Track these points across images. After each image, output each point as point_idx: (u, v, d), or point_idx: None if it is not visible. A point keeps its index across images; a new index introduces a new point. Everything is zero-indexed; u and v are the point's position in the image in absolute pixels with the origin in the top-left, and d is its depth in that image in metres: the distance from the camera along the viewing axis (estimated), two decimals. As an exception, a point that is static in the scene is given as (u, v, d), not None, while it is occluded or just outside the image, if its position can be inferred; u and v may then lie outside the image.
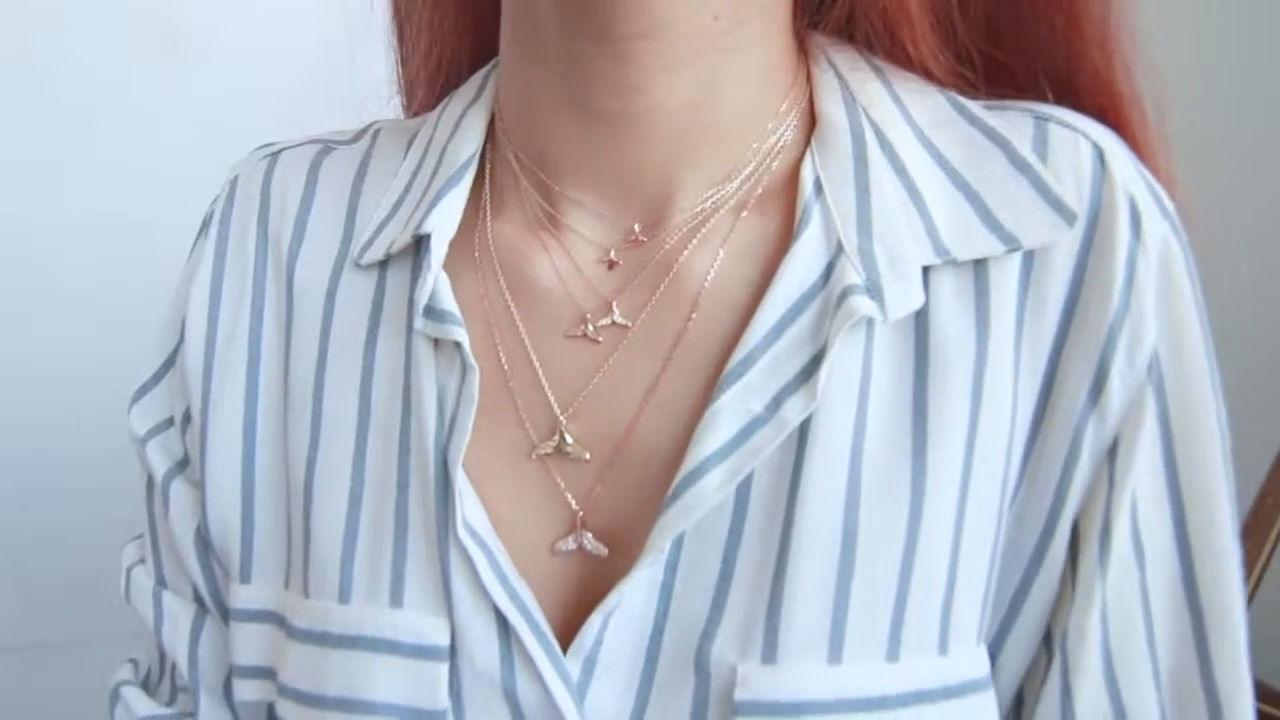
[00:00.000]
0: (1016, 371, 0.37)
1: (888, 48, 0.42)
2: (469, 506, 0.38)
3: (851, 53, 0.42)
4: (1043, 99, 0.42)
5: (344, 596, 0.39)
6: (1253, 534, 1.13)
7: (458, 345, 0.39)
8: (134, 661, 0.50)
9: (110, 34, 1.05)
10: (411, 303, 0.41)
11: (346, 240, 0.44)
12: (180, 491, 0.45)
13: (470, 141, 0.43)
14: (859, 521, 0.36)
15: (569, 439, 0.39)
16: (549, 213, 0.41)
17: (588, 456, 0.39)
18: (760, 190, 0.40)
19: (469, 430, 0.38)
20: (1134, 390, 0.37)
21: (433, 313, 0.40)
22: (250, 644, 0.42)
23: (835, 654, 0.35)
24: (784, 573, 0.35)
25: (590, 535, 0.38)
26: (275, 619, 0.42)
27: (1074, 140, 0.38)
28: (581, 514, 0.39)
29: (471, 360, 0.39)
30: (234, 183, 0.47)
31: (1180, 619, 0.38)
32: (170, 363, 0.47)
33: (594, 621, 0.37)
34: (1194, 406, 0.38)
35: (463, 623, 0.38)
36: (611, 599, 0.36)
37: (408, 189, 0.44)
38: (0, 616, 1.14)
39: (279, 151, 0.48)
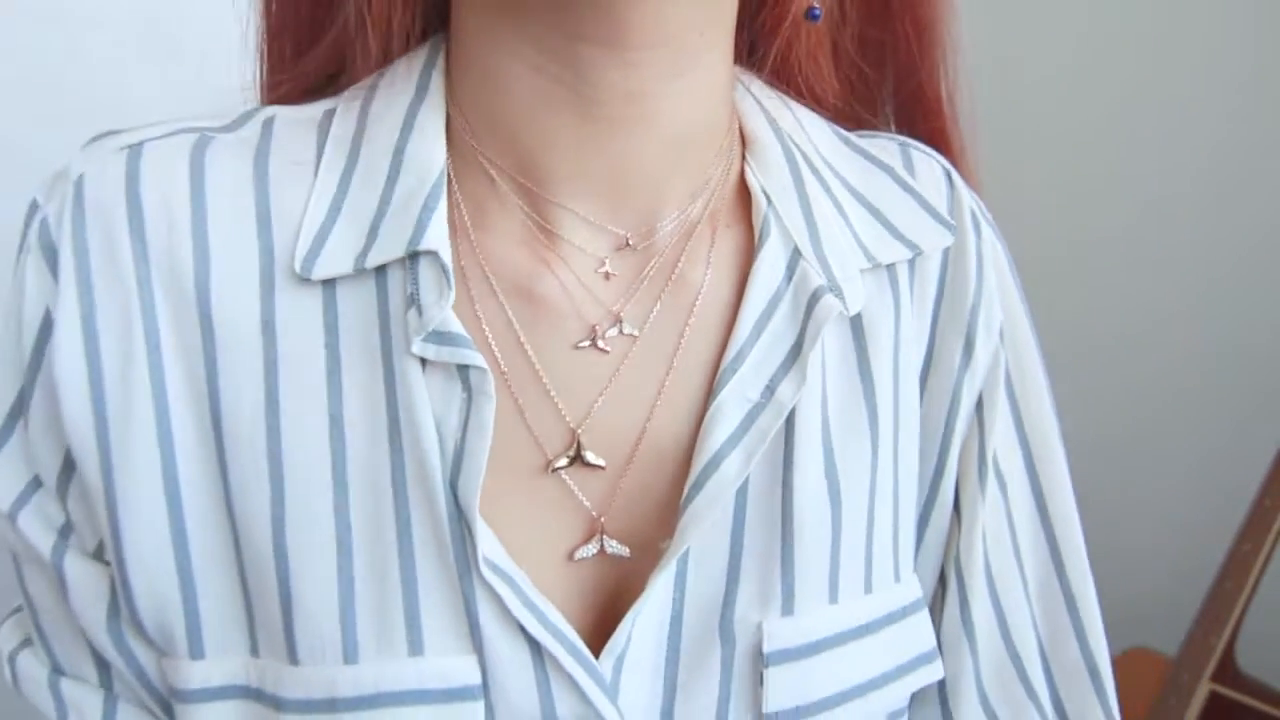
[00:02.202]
0: (917, 343, 0.45)
1: (806, 81, 0.47)
2: (485, 540, 0.37)
3: (762, 83, 0.46)
4: (884, 122, 0.50)
5: (350, 656, 0.37)
6: (1253, 534, 1.13)
7: (463, 370, 0.37)
8: None
9: (109, 34, 1.05)
10: (387, 325, 0.38)
11: (266, 252, 0.38)
12: (77, 569, 0.39)
13: (436, 148, 0.40)
14: (839, 481, 0.41)
15: (587, 451, 0.39)
16: (539, 223, 0.40)
17: (604, 464, 0.39)
18: (724, 200, 0.43)
19: (483, 462, 0.37)
20: (992, 354, 0.46)
21: (440, 336, 0.37)
22: None
23: (834, 595, 0.41)
24: (791, 535, 0.40)
25: (612, 540, 0.40)
26: (249, 693, 0.38)
27: (930, 163, 0.47)
28: (603, 520, 0.40)
29: (488, 388, 0.37)
30: (79, 184, 0.39)
31: (1037, 536, 0.47)
32: (18, 412, 0.39)
33: (627, 621, 0.38)
34: (1028, 367, 0.47)
35: (495, 657, 0.37)
36: (646, 595, 0.38)
37: (344, 190, 0.39)
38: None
39: (139, 144, 0.39)
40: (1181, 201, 1.39)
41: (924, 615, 0.45)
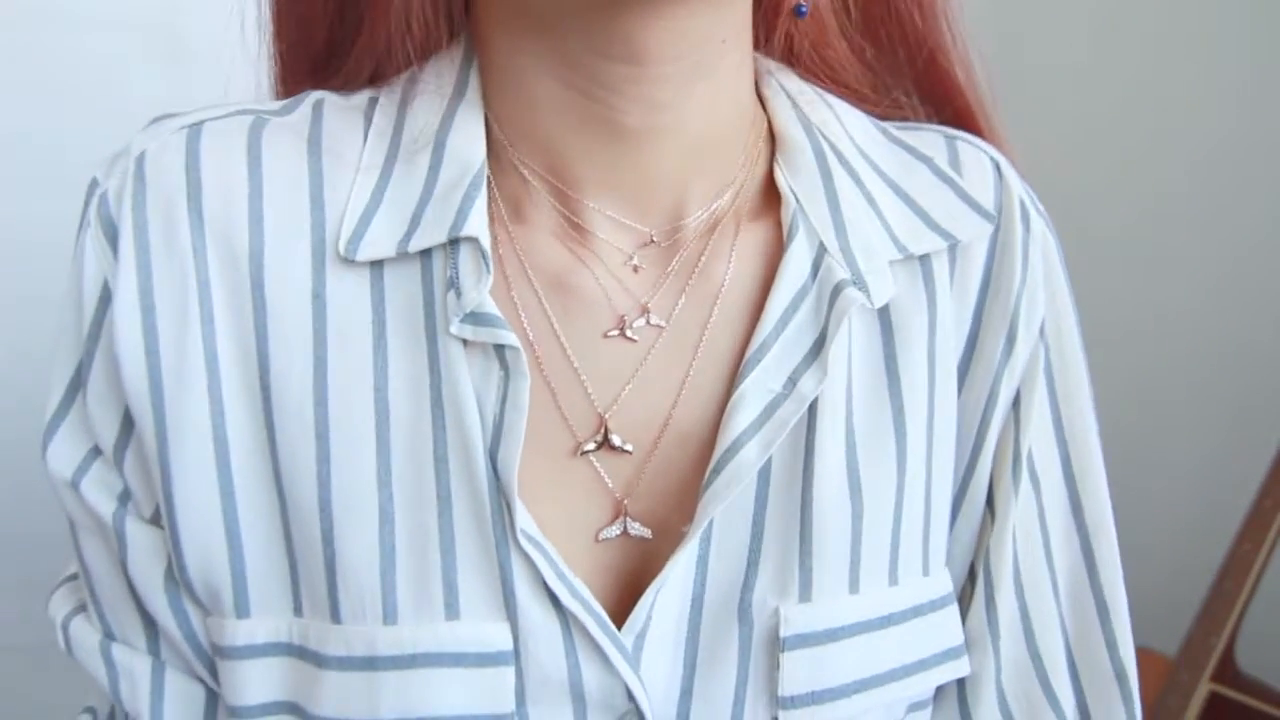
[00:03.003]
0: (958, 336, 0.45)
1: (826, 66, 0.48)
2: (521, 512, 0.39)
3: (795, 78, 0.47)
4: (909, 109, 0.50)
5: (389, 617, 0.39)
6: (1253, 534, 1.13)
7: (499, 350, 0.39)
8: (91, 710, 0.47)
9: (110, 34, 1.05)
10: (430, 305, 0.40)
11: (318, 229, 0.40)
12: (138, 533, 0.41)
13: (476, 144, 0.41)
14: (860, 474, 0.42)
15: (614, 435, 0.41)
16: (571, 220, 0.42)
17: (631, 449, 0.41)
18: (750, 198, 0.44)
19: (521, 436, 0.38)
20: (1031, 349, 0.45)
21: (477, 318, 0.39)
22: (261, 680, 0.40)
23: (854, 585, 0.42)
24: (810, 524, 0.41)
25: (636, 522, 0.41)
26: (293, 650, 0.40)
27: (978, 155, 0.47)
28: (626, 502, 0.41)
29: (523, 367, 0.39)
30: (140, 161, 0.40)
31: (1070, 539, 0.47)
32: (78, 384, 0.41)
33: (648, 597, 0.39)
34: (1070, 363, 0.46)
35: (528, 625, 0.39)
36: (664, 574, 0.39)
37: (386, 177, 0.41)
38: (3, 616, 1.14)
39: (199, 124, 0.41)
40: (1181, 200, 1.39)
41: (952, 610, 0.45)
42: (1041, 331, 0.46)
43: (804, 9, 0.45)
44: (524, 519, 0.39)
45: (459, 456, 0.39)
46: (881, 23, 0.48)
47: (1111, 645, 0.46)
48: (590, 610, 0.39)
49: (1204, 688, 1.12)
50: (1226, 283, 1.39)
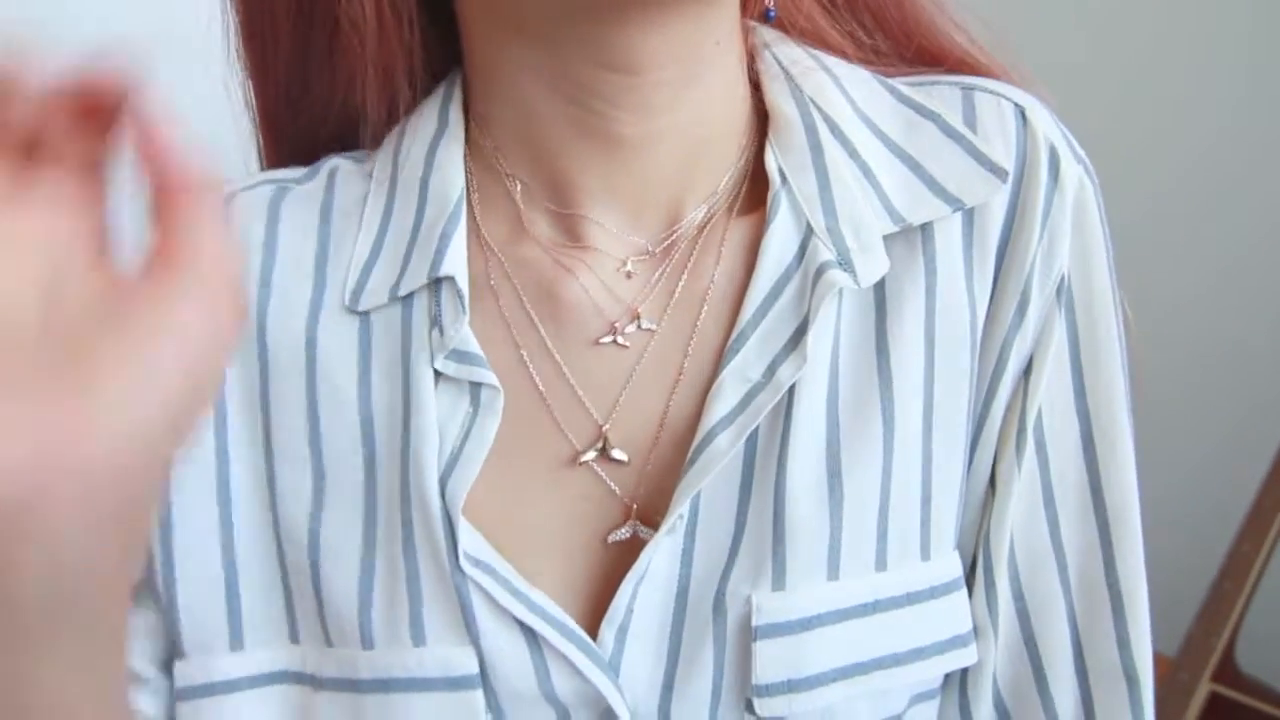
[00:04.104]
0: (972, 303, 0.42)
1: (819, 43, 0.46)
2: (465, 536, 0.40)
3: (792, 46, 0.45)
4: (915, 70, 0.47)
5: (366, 643, 0.40)
6: (1253, 534, 1.13)
7: (475, 386, 0.41)
8: None
9: (113, 34, 1.05)
10: (407, 338, 0.42)
11: (319, 286, 0.43)
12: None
13: (455, 177, 0.43)
14: (840, 458, 0.41)
15: (613, 446, 0.42)
16: (564, 233, 0.43)
17: (626, 459, 0.42)
18: (743, 189, 0.44)
19: (475, 469, 0.40)
20: (1044, 312, 0.42)
21: (460, 355, 0.41)
22: (263, 709, 0.41)
23: (834, 572, 0.40)
24: (782, 510, 0.40)
25: (644, 525, 0.41)
26: (294, 677, 0.42)
27: (997, 104, 0.43)
28: (635, 505, 0.42)
29: (496, 406, 0.40)
30: None
31: (1086, 522, 0.43)
32: None
33: (625, 589, 0.40)
34: (1099, 325, 0.42)
35: (491, 646, 0.39)
36: (640, 564, 0.40)
37: (384, 228, 0.43)
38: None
39: (231, 195, 0.45)
40: (1180, 199, 1.39)
41: (959, 596, 0.43)
42: (1060, 290, 0.42)
43: (772, 14, 0.45)
44: (470, 541, 0.40)
45: (416, 485, 0.40)
46: (859, 11, 0.47)
47: (1124, 643, 0.43)
48: (554, 622, 0.39)
49: (1204, 688, 1.12)
50: (1225, 282, 1.39)
